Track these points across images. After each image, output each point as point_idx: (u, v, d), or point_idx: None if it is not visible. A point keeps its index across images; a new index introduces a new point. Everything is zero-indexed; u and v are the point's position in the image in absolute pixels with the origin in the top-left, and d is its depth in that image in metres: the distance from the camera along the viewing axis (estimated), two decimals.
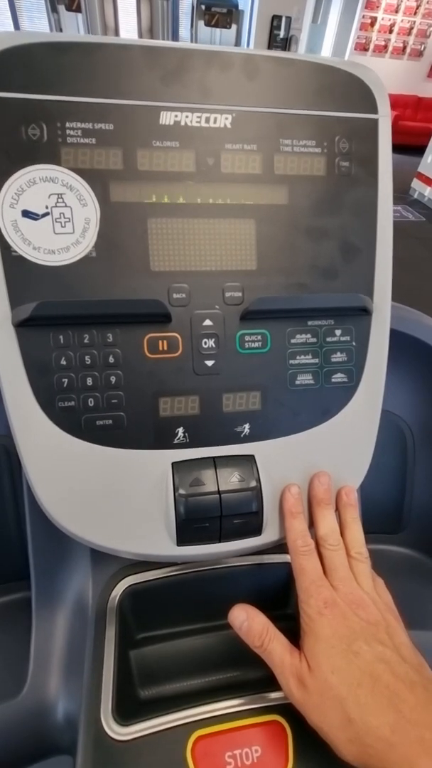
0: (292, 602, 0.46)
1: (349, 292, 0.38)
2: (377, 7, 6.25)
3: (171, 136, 0.35)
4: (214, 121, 0.35)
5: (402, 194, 4.71)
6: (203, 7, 4.18)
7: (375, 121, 0.38)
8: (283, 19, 5.57)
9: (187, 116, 0.35)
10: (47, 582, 0.45)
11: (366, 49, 6.58)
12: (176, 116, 0.35)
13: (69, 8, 3.76)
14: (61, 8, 3.80)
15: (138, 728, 0.33)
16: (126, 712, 0.35)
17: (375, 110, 0.38)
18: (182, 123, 0.35)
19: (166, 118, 0.35)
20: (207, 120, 0.35)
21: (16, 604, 0.51)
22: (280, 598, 0.46)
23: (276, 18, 5.58)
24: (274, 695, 0.35)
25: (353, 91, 0.38)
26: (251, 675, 0.41)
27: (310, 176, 0.37)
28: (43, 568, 0.45)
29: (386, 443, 0.59)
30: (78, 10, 3.37)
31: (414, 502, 0.61)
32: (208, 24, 4.35)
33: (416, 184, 4.68)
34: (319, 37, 7.08)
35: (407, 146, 6.32)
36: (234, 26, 4.40)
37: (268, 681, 0.41)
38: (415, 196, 4.67)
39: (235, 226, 0.36)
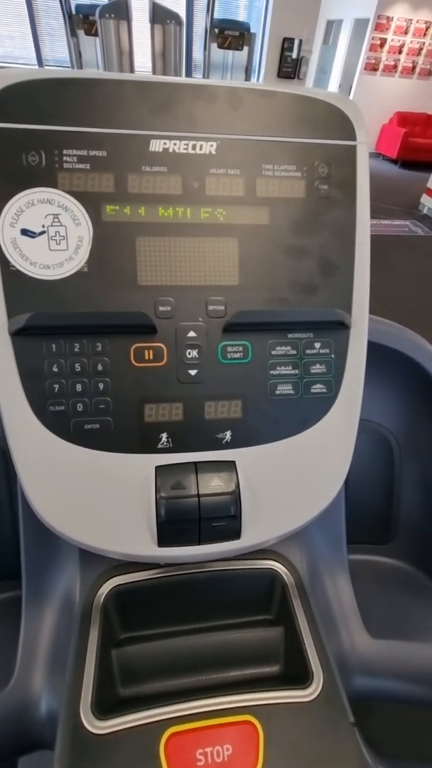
0: (273, 607, 0.47)
1: (327, 307, 0.40)
2: (387, 29, 6.38)
3: (160, 162, 0.37)
4: (200, 148, 0.38)
5: (411, 209, 4.74)
6: (216, 30, 4.33)
7: (353, 147, 0.40)
8: (295, 41, 5.73)
9: (174, 144, 0.38)
10: (37, 581, 0.47)
11: (376, 69, 6.70)
12: (165, 144, 0.37)
13: (88, 33, 3.92)
14: (81, 33, 3.97)
15: (114, 723, 0.34)
16: (105, 708, 0.36)
17: (353, 137, 0.40)
18: (170, 150, 0.38)
19: (156, 146, 0.37)
20: (193, 147, 0.38)
21: (8, 603, 0.52)
22: (261, 604, 0.47)
23: (287, 40, 5.74)
24: (248, 696, 0.36)
25: (332, 119, 0.40)
26: (230, 676, 0.42)
27: (290, 198, 0.39)
28: (34, 567, 0.47)
29: (373, 454, 0.60)
30: (96, 34, 3.52)
31: (402, 513, 0.61)
32: (221, 46, 4.49)
33: (425, 199, 4.71)
34: (330, 58, 7.24)
35: (417, 162, 6.38)
36: (246, 48, 4.53)
37: (245, 682, 0.42)
38: (425, 211, 4.70)
39: (219, 244, 0.39)
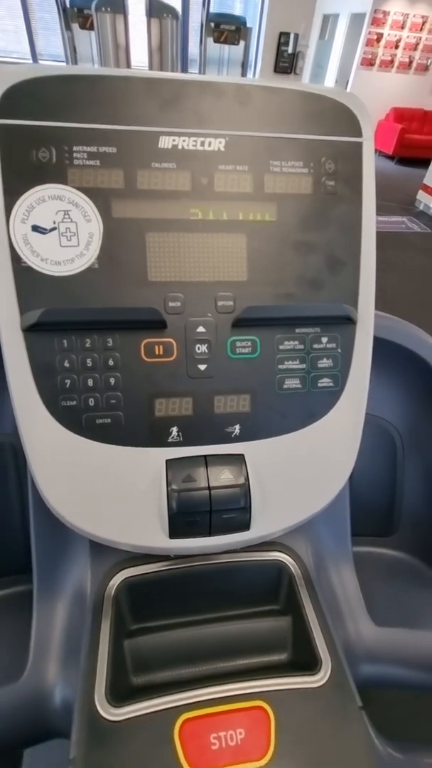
0: (281, 598, 0.48)
1: (334, 302, 0.41)
2: (383, 23, 6.36)
3: (169, 158, 0.38)
4: (209, 145, 0.38)
5: (408, 206, 4.75)
6: (212, 24, 4.29)
7: (359, 144, 0.41)
8: (291, 36, 5.70)
9: (184, 140, 0.38)
10: (48, 573, 0.48)
11: (372, 64, 6.68)
12: (174, 140, 0.38)
13: (82, 27, 3.88)
14: (75, 26, 3.93)
15: (129, 710, 0.35)
16: (119, 696, 0.37)
17: (359, 134, 0.41)
18: (179, 146, 0.38)
19: (165, 142, 0.38)
20: (202, 143, 0.38)
21: (21, 596, 0.53)
22: (269, 595, 0.48)
23: (283, 35, 5.71)
24: (259, 682, 0.37)
25: (339, 116, 0.41)
26: (239, 665, 0.43)
27: (297, 194, 0.40)
28: (45, 559, 0.48)
29: (376, 448, 0.61)
30: (91, 28, 3.49)
31: (405, 505, 0.63)
32: (217, 41, 4.46)
33: (422, 195, 4.72)
34: (326, 53, 7.21)
35: (413, 159, 6.38)
36: (242, 43, 4.51)
37: (255, 670, 0.43)
38: (421, 207, 4.71)
39: (227, 240, 0.39)
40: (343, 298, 0.41)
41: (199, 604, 0.46)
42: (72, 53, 4.09)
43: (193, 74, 0.39)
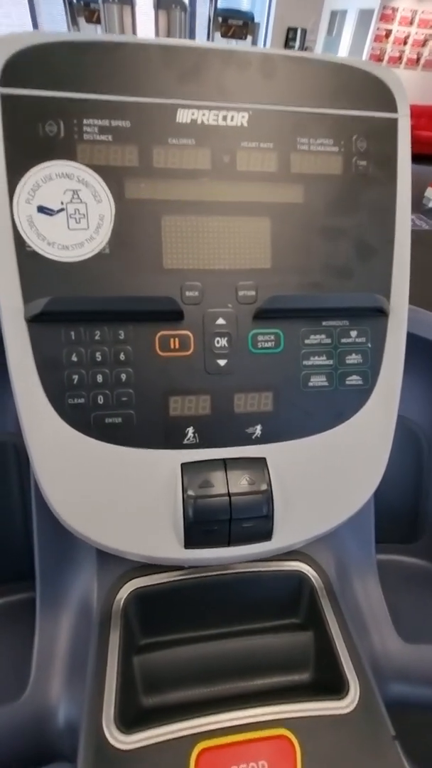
0: (301, 611, 0.44)
1: (365, 292, 0.37)
2: (392, 19, 6.28)
3: (187, 133, 0.35)
4: (231, 119, 0.35)
5: (416, 203, 4.69)
6: (220, 19, 4.25)
7: (394, 121, 0.37)
8: (299, 32, 5.64)
9: (203, 114, 0.35)
10: (52, 583, 0.45)
11: (380, 60, 6.60)
12: (193, 114, 0.35)
13: (89, 20, 3.84)
14: (81, 21, 3.89)
15: (141, 737, 0.32)
16: (128, 720, 0.34)
17: (394, 109, 0.37)
18: (198, 121, 0.35)
19: (183, 116, 0.34)
20: (224, 118, 0.35)
21: (20, 604, 0.50)
22: (288, 607, 0.45)
23: (291, 30, 5.65)
24: (282, 708, 0.34)
25: (372, 90, 0.37)
26: (258, 685, 0.40)
27: (326, 175, 0.37)
28: (48, 568, 0.45)
29: (401, 449, 0.57)
30: (97, 21, 3.45)
31: (429, 511, 0.59)
32: (224, 35, 4.42)
33: (430, 192, 4.66)
34: (334, 49, 7.13)
35: (421, 155, 6.31)
36: (249, 38, 4.47)
37: (276, 692, 0.40)
38: (430, 205, 4.65)
39: (250, 225, 0.36)
40: (375, 288, 0.38)
41: (213, 617, 0.43)
42: None
43: (213, 43, 0.36)
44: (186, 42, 0.35)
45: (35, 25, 5.43)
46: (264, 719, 0.33)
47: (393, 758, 0.32)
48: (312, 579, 0.44)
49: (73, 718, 0.38)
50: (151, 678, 0.39)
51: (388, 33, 6.40)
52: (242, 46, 0.37)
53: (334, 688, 0.36)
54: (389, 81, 0.37)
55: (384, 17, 6.26)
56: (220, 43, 4.59)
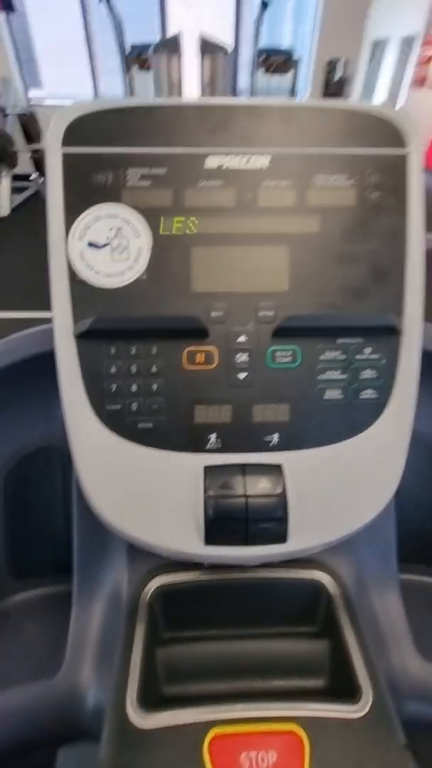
0: (318, 620, 0.46)
1: (378, 312, 0.40)
2: None
3: (215, 176, 0.40)
4: (254, 162, 0.40)
5: None
6: (263, 56, 4.49)
7: (404, 156, 0.41)
8: (340, 62, 5.80)
9: (229, 159, 0.40)
10: (88, 575, 0.49)
11: (422, 84, 6.61)
12: (220, 160, 0.40)
13: (141, 68, 4.21)
14: (134, 68, 4.27)
15: (159, 718, 0.35)
16: (149, 704, 0.37)
17: (404, 144, 0.41)
18: (225, 166, 0.40)
19: (211, 162, 0.40)
20: (247, 161, 0.40)
21: (60, 596, 0.55)
22: (305, 615, 0.46)
23: (332, 62, 5.82)
24: (294, 705, 0.36)
25: (382, 129, 0.41)
26: (274, 685, 0.41)
27: (341, 206, 0.40)
28: (85, 562, 0.49)
29: (423, 467, 0.57)
30: (149, 68, 3.78)
31: None
32: (267, 71, 4.65)
33: None
34: (375, 76, 7.23)
35: None
36: (291, 72, 4.67)
37: (291, 692, 0.41)
38: None
39: (270, 253, 0.40)
40: (388, 307, 0.40)
41: (232, 618, 0.45)
42: (130, 93, 4.43)
43: (238, 98, 0.42)
44: (214, 99, 0.41)
45: (94, 75, 5.97)
46: (276, 714, 0.35)
47: (403, 765, 0.33)
48: (330, 589, 0.45)
49: (100, 700, 0.41)
50: (172, 669, 0.42)
51: (431, 58, 6.41)
52: (263, 98, 0.42)
53: (348, 693, 0.37)
54: (398, 120, 0.41)
55: (428, 41, 6.29)
56: (262, 79, 4.82)
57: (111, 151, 0.39)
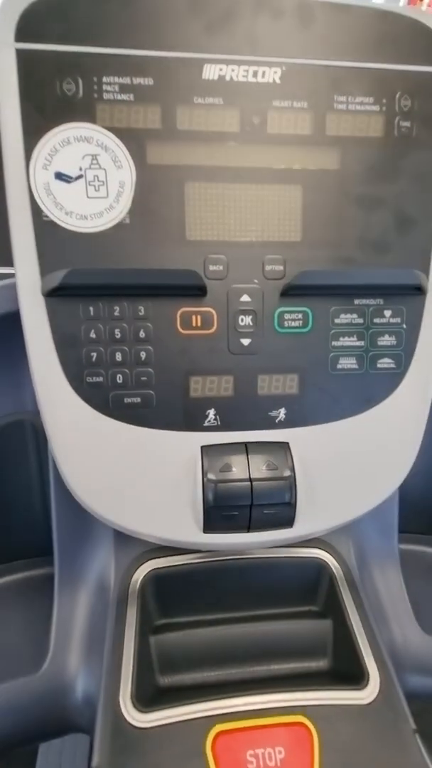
0: (320, 599, 0.44)
1: (402, 268, 0.35)
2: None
3: (214, 92, 0.32)
4: (262, 75, 0.32)
5: None
6: None
7: None
8: None
9: (232, 70, 0.32)
10: (70, 560, 0.45)
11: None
12: (221, 70, 0.32)
13: None
14: None
15: (157, 716, 0.32)
16: (145, 698, 0.34)
17: None
18: (227, 77, 0.32)
19: (210, 72, 0.32)
20: (254, 74, 0.32)
21: (40, 579, 0.51)
22: (307, 595, 0.44)
23: None
24: (300, 695, 0.34)
25: (419, 41, 0.33)
26: (275, 670, 0.40)
27: (365, 138, 0.34)
28: (67, 545, 0.45)
29: (427, 433, 0.55)
30: None
31: None
32: None
33: None
34: None
35: None
36: None
37: (294, 678, 0.39)
38: None
39: (280, 193, 0.33)
40: (413, 263, 0.35)
41: (230, 600, 0.43)
42: None
43: None
44: None
45: None
46: (282, 705, 0.33)
47: (413, 752, 0.31)
48: (332, 567, 0.43)
49: (90, 692, 0.38)
50: (167, 658, 0.39)
51: None
52: None
53: (353, 677, 0.36)
54: None
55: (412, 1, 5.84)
56: None
57: (80, 50, 0.30)
